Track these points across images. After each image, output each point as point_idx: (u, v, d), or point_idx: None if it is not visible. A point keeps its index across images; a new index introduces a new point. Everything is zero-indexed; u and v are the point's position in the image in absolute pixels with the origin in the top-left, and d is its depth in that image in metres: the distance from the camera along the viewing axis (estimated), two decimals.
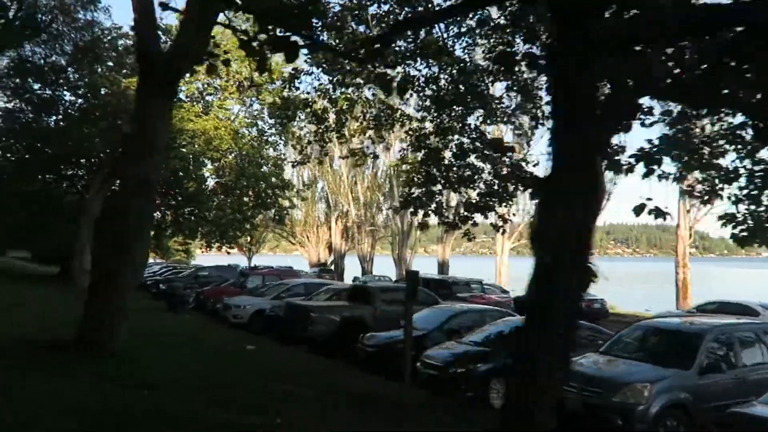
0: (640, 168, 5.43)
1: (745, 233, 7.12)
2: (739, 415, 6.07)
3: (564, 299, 3.20)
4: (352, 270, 43.62)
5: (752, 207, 7.30)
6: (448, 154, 11.90)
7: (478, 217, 11.80)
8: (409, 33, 10.07)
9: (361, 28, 10.42)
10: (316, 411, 6.79)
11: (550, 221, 3.31)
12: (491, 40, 10.71)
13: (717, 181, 8.09)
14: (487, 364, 9.08)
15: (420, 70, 11.31)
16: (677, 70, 3.83)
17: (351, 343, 12.09)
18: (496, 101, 11.64)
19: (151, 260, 36.58)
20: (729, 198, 7.79)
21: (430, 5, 9.37)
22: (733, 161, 7.94)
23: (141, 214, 7.57)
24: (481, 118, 12.12)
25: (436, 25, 9.76)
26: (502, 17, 9.99)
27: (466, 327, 11.24)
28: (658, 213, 4.39)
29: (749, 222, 7.18)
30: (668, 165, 7.86)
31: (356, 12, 10.66)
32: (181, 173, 24.72)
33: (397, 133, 19.28)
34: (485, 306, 14.18)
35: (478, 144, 11.52)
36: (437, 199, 11.81)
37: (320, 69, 12.20)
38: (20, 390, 6.25)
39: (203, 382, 7.54)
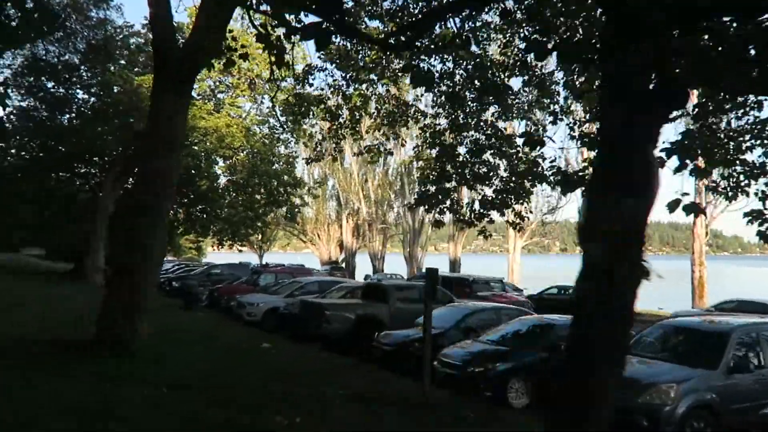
0: (670, 163, 5.27)
1: None
2: None
3: (615, 298, 3.07)
4: (363, 268, 43.59)
5: None
6: (462, 150, 11.77)
7: (493, 215, 11.68)
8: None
9: (375, 24, 10.30)
10: (340, 411, 6.71)
11: (599, 215, 3.17)
12: (506, 35, 10.56)
13: (742, 177, 7.90)
14: (506, 364, 8.95)
15: (434, 66, 11.18)
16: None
17: (366, 341, 12.01)
18: (512, 96, 11.48)
19: None
20: (756, 194, 7.59)
21: None
22: (760, 156, 7.76)
23: (158, 211, 7.51)
24: (496, 114, 11.98)
25: (451, 19, 9.58)
26: (518, 11, 9.83)
27: (483, 325, 11.12)
28: (692, 209, 4.23)
29: None
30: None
31: (369, 8, 10.55)
32: (193, 171, 24.79)
33: (409, 130, 19.14)
34: (501, 304, 14.03)
35: (493, 140, 11.38)
36: (452, 197, 11.69)
37: (334, 65, 12.11)
38: (40, 392, 6.21)
39: (230, 382, 7.48)
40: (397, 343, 10.99)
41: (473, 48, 10.51)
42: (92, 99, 25.22)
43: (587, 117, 10.84)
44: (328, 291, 16.43)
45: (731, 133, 7.62)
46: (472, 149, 11.35)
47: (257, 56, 20.96)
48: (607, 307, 3.05)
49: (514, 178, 11.32)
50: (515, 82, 11.33)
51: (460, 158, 11.57)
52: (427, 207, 12.16)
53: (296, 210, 30.50)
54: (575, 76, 9.78)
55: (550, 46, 4.95)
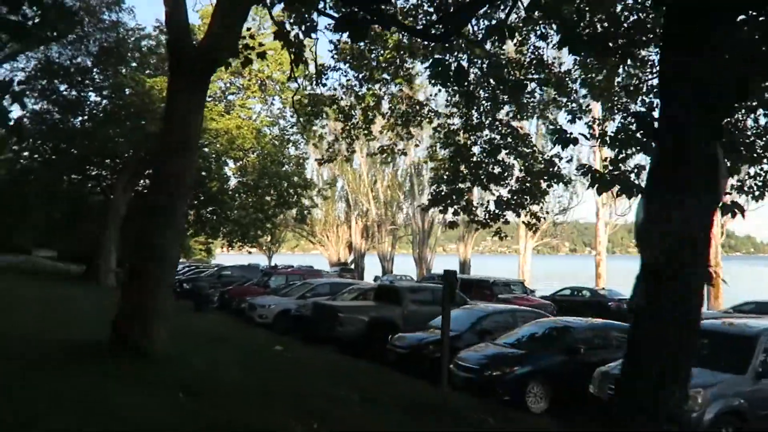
0: None
1: None
2: None
3: (677, 304, 2.89)
4: (372, 269, 43.45)
5: None
6: (476, 150, 11.62)
7: (508, 215, 11.50)
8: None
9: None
10: (358, 416, 6.59)
11: (659, 217, 2.99)
12: (522, 33, 10.39)
13: None
14: (525, 367, 8.78)
15: (449, 63, 11.02)
16: None
17: (379, 343, 11.88)
18: (528, 95, 11.31)
19: None
20: None
21: None
22: None
23: (172, 211, 7.42)
24: (511, 114, 11.81)
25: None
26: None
27: (498, 328, 10.95)
28: (729, 208, 4.05)
29: None
30: None
31: None
32: (203, 173, 24.76)
33: (422, 130, 19.01)
34: (516, 306, 13.84)
35: (509, 140, 11.22)
36: (466, 197, 11.53)
37: (347, 65, 12.00)
38: (41, 392, 6.13)
39: (243, 384, 7.36)
40: (412, 345, 10.85)
41: (487, 45, 10.36)
42: (104, 101, 25.32)
43: (605, 115, 10.66)
44: (339, 293, 16.31)
45: (759, 131, 7.42)
46: (487, 149, 11.20)
47: (269, 57, 20.92)
48: (665, 315, 2.87)
49: (530, 178, 11.16)
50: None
51: (475, 158, 11.43)
52: (441, 208, 12.02)
53: (306, 211, 30.42)
54: (594, 74, 9.61)
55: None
